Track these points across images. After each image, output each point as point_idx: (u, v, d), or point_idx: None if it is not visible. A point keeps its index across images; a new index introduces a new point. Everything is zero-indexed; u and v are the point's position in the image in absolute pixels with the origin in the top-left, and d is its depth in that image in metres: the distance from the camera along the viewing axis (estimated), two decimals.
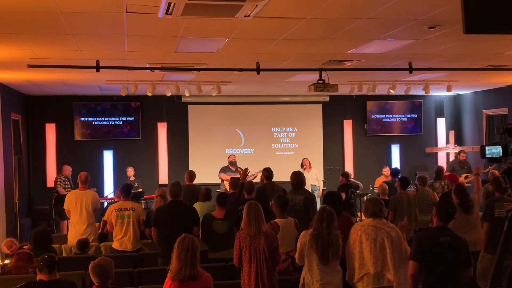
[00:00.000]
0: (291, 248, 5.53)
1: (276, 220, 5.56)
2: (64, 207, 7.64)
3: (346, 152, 13.73)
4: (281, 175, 8.07)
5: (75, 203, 7.44)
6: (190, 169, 10.64)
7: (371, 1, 4.81)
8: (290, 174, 6.90)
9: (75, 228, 7.41)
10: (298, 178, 6.92)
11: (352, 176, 13.32)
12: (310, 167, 11.80)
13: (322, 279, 4.71)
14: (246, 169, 7.00)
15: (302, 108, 13.54)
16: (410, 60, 8.03)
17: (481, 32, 2.86)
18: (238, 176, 10.80)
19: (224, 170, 11.36)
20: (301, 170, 11.31)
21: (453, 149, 13.24)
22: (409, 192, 7.97)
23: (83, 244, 6.64)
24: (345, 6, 4.95)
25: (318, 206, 7.46)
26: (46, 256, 4.31)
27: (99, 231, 8.19)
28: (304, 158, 11.97)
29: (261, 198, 6.88)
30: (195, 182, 8.63)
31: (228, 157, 11.67)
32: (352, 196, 9.37)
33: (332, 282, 4.75)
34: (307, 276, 4.78)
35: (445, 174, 9.18)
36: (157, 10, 4.85)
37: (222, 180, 11.25)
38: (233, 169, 11.33)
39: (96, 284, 4.09)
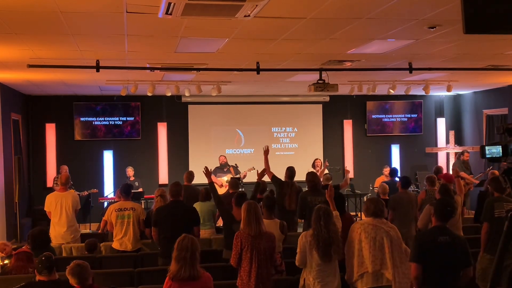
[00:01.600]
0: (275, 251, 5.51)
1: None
2: (44, 209, 7.61)
3: (346, 152, 13.73)
4: (282, 175, 8.06)
5: (55, 204, 7.44)
6: (190, 169, 10.64)
7: (371, 1, 4.81)
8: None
9: (55, 229, 7.42)
10: (315, 179, 6.95)
11: (352, 176, 13.36)
12: (321, 168, 11.67)
13: (323, 280, 4.72)
14: (264, 169, 7.04)
15: (302, 108, 13.54)
16: (410, 60, 8.03)
17: (481, 32, 2.86)
18: (229, 176, 10.88)
19: (215, 171, 11.28)
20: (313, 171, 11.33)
21: (453, 149, 13.25)
22: (410, 192, 7.95)
23: (91, 245, 6.66)
24: (345, 6, 4.95)
25: None
26: (43, 258, 4.29)
27: (99, 231, 8.19)
28: (316, 159, 11.74)
29: (280, 195, 6.97)
30: (195, 182, 8.61)
31: (219, 158, 11.65)
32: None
33: (333, 282, 4.75)
34: (308, 277, 4.78)
35: (440, 174, 9.16)
36: (157, 10, 4.85)
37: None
38: (224, 170, 11.34)
39: (77, 286, 4.10)
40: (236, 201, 6.18)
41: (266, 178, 7.90)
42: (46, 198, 7.69)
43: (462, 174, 10.82)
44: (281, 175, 7.97)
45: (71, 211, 7.45)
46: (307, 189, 7.09)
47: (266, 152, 7.86)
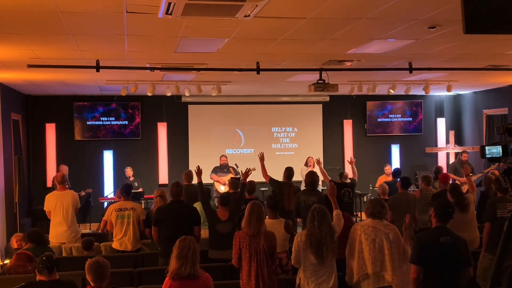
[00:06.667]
0: (280, 250, 5.53)
1: (265, 220, 5.56)
2: (44, 209, 7.56)
3: (346, 152, 13.72)
4: (281, 175, 8.07)
5: (55, 204, 7.41)
6: (190, 169, 10.62)
7: (371, 1, 4.81)
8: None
9: (56, 229, 7.40)
10: (312, 178, 6.97)
11: (352, 176, 13.35)
12: (314, 166, 11.76)
13: (317, 280, 4.71)
14: (248, 169, 7.03)
15: (302, 108, 13.54)
16: (410, 60, 8.03)
17: (481, 32, 2.86)
18: (230, 176, 10.86)
19: (215, 170, 11.30)
20: (305, 168, 11.37)
21: (453, 149, 13.25)
22: (409, 192, 7.94)
23: (87, 243, 6.66)
24: (345, 6, 4.95)
25: None
26: (44, 258, 4.28)
27: (99, 231, 8.18)
28: (309, 157, 11.84)
29: (279, 195, 7.01)
30: (195, 182, 8.59)
31: (220, 158, 11.64)
32: (347, 195, 9.24)
33: (328, 282, 4.74)
34: (303, 276, 4.78)
35: (440, 174, 9.14)
36: (157, 10, 4.85)
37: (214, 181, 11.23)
38: (225, 170, 11.35)
39: (92, 284, 4.06)
40: (221, 201, 6.26)
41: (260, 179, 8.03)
42: (45, 197, 7.66)
43: (448, 176, 10.81)
44: (281, 175, 7.99)
45: (71, 210, 7.43)
46: (305, 188, 7.12)
47: (262, 159, 8.00)
